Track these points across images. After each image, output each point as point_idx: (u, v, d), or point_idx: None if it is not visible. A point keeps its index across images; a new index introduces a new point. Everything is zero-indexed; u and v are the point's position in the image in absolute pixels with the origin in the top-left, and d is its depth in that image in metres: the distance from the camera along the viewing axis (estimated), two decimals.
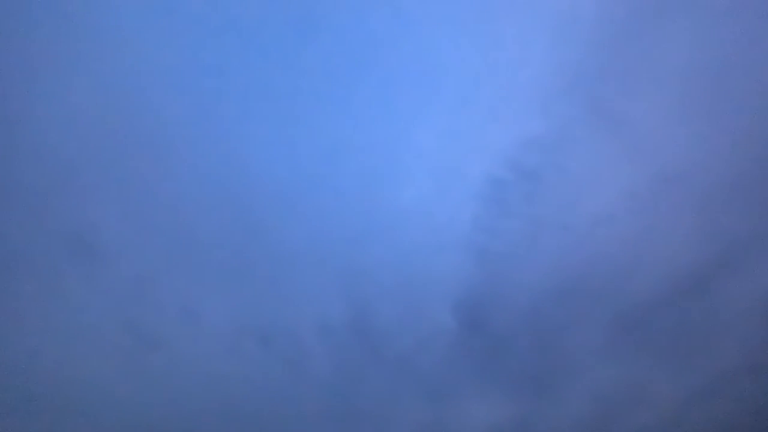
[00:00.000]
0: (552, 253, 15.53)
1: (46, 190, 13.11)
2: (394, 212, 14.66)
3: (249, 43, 12.59)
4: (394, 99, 12.93)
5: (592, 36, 11.50)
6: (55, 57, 12.16)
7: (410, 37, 12.35)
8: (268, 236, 16.03)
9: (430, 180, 13.68)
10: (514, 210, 13.92)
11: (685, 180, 13.63)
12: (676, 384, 20.29)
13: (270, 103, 13.68)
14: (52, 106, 12.51)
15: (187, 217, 14.55)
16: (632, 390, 21.31)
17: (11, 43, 11.63)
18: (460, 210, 14.20)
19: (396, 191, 14.11)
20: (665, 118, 12.63)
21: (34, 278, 13.72)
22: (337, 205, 15.43)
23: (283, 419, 20.41)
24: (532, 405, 22.52)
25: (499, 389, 22.22)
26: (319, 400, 20.62)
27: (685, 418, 20.89)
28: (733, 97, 12.79)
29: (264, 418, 19.92)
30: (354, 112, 13.70)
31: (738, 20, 12.89)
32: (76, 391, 15.26)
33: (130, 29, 12.07)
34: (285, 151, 14.52)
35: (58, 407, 15.11)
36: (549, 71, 11.83)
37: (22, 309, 13.94)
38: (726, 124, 12.96)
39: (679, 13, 11.82)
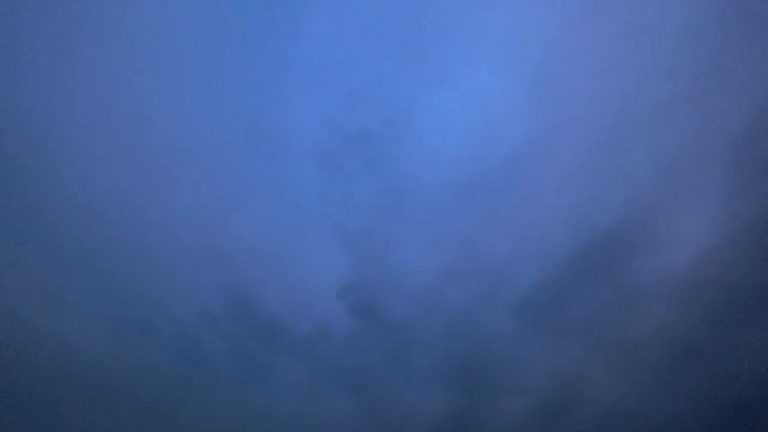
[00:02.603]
0: (425, 230, 13.74)
1: None
2: (243, 192, 13.51)
3: None
4: (205, 77, 11.75)
5: None
6: None
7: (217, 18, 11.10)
8: (130, 225, 15.45)
9: (265, 154, 12.38)
10: (358, 180, 12.33)
11: (544, 146, 11.37)
12: (611, 377, 17.85)
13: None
14: None
15: (32, 204, 14.13)
16: (569, 383, 19.04)
17: None
18: (304, 183, 12.81)
19: (240, 168, 12.94)
20: (495, 67, 10.49)
21: None
22: (190, 190, 14.51)
23: (185, 409, 19.90)
24: (464, 401, 20.72)
25: (424, 384, 20.61)
26: (222, 391, 19.88)
27: (626, 411, 18.45)
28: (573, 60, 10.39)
29: (160, 405, 19.47)
30: (188, 94, 12.72)
31: None
32: None
33: None
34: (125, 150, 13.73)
35: None
36: (351, 18, 10.16)
37: None
38: (574, 83, 10.61)
39: None
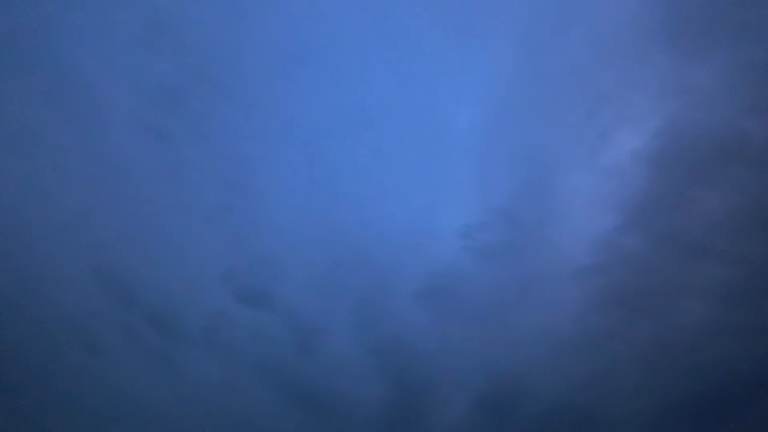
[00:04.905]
0: (285, 209, 11.50)
1: None
2: (65, 162, 11.55)
3: None
4: None
5: None
6: None
7: None
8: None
9: (71, 114, 10.39)
10: (189, 146, 10.16)
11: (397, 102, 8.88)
12: (547, 371, 15.59)
13: None
14: None
15: None
16: (506, 378, 16.82)
17: None
18: (128, 149, 10.74)
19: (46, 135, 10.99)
20: None
21: None
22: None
23: (86, 399, 18.85)
24: (398, 394, 18.77)
25: (351, 377, 18.71)
26: (125, 382, 18.63)
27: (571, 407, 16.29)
28: None
29: (58, 400, 18.45)
30: None
31: None
32: None
33: None
34: None
35: None
36: None
37: None
38: None
39: None
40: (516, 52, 8.21)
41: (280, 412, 19.75)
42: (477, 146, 9.63)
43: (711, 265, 11.21)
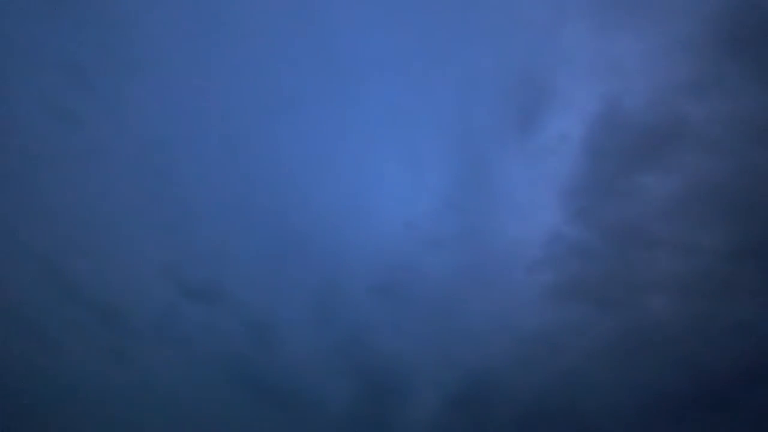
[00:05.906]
0: (213, 197, 10.89)
1: None
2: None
3: None
4: None
5: None
6: None
7: None
8: None
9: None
10: (96, 130, 9.58)
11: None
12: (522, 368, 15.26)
13: None
14: None
15: None
16: (480, 376, 16.45)
17: None
18: (52, 139, 10.13)
19: None
20: None
21: None
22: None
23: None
24: (368, 394, 18.33)
25: (315, 373, 18.26)
26: (79, 375, 18.27)
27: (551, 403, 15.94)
28: None
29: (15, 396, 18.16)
30: None
31: None
32: None
33: None
34: None
35: None
36: None
37: None
38: None
39: None
40: (423, 17, 7.57)
41: (241, 407, 19.32)
42: (402, 123, 9.04)
43: (663, 257, 10.66)
